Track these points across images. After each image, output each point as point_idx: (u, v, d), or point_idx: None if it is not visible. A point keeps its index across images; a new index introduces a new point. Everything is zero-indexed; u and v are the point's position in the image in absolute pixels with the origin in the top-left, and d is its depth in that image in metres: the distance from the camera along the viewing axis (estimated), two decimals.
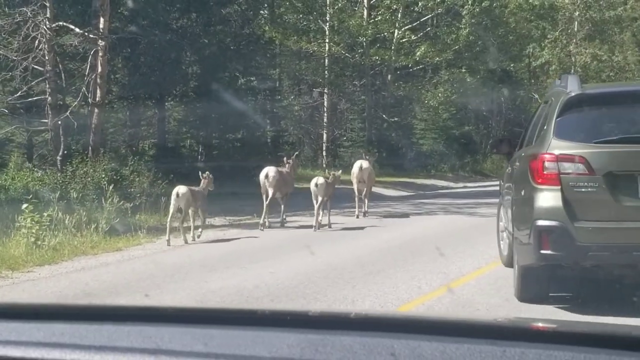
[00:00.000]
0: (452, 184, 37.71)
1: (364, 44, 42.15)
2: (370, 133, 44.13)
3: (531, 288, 9.14)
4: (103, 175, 20.38)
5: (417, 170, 43.37)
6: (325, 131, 45.96)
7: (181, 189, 15.88)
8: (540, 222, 8.54)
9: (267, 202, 17.88)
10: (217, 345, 2.12)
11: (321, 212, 17.59)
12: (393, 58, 41.75)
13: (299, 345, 2.10)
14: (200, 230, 16.25)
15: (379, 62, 42.81)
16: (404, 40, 42.57)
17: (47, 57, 20.95)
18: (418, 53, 41.36)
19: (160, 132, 28.42)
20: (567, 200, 8.48)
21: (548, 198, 8.57)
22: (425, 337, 2.09)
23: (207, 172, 16.84)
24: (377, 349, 2.06)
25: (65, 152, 22.03)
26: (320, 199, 17.46)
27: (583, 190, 8.48)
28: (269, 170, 18.15)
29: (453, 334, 2.12)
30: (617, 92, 9.91)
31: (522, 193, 9.16)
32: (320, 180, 17.83)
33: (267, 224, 17.81)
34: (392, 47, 42.44)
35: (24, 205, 14.58)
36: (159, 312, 2.68)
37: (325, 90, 45.33)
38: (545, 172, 8.63)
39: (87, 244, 14.94)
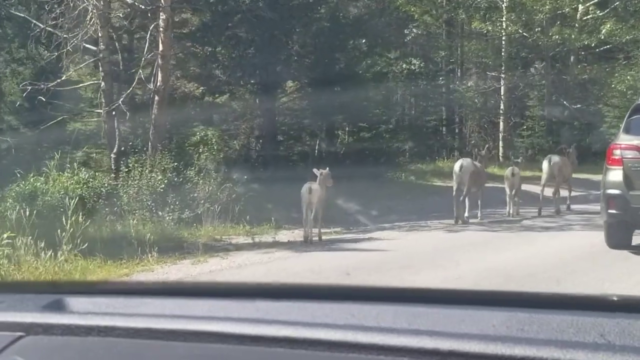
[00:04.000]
0: None
1: (543, 21, 37.35)
2: (550, 122, 39.32)
3: (614, 238, 12.84)
4: (160, 177, 17.15)
5: (603, 164, 38.24)
6: (502, 119, 41.49)
7: (313, 185, 15.50)
8: (609, 191, 12.47)
9: (464, 196, 17.58)
10: (423, 323, 2.12)
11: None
12: (573, 37, 36.65)
13: (505, 324, 2.07)
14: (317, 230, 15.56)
15: (559, 41, 37.81)
16: (588, 16, 37.47)
17: (100, 33, 17.75)
18: (603, 31, 36.18)
19: (267, 125, 24.61)
20: (627, 175, 12.17)
21: (614, 174, 12.38)
22: (634, 316, 2.07)
23: (327, 169, 16.06)
24: (586, 328, 2.01)
25: (123, 148, 18.80)
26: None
27: (637, 168, 12.17)
28: (464, 162, 18.07)
29: None
30: None
31: (603, 172, 12.96)
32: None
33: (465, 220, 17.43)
34: (575, 25, 37.45)
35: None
36: (360, 292, 2.74)
37: (502, 75, 40.95)
38: (613, 157, 12.52)
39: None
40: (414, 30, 41.55)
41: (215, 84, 25.54)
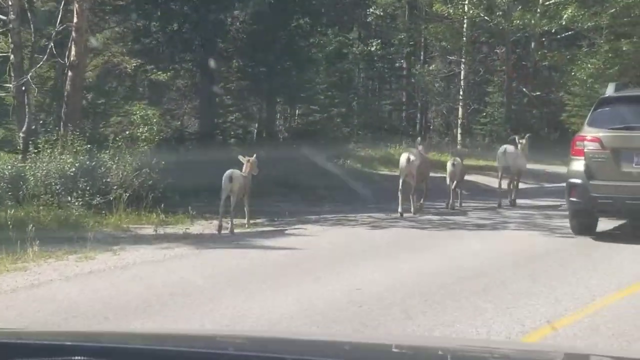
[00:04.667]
0: None
1: (505, 5, 36.24)
2: (509, 109, 38.29)
3: (578, 225, 13.86)
4: (70, 160, 15.88)
5: (562, 154, 37.27)
6: (461, 105, 40.43)
7: (235, 172, 14.68)
8: (571, 180, 13.52)
9: (414, 190, 16.92)
10: None
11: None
12: (534, 22, 35.56)
13: None
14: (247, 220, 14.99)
15: (521, 26, 36.71)
16: (550, 1, 36.39)
17: (10, 2, 16.34)
18: (565, 16, 35.09)
19: (204, 106, 23.18)
20: (588, 166, 13.20)
21: (576, 165, 13.46)
22: None
23: (254, 156, 15.32)
24: None
25: (33, 127, 17.43)
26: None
27: (597, 159, 13.18)
28: (411, 155, 17.25)
29: None
30: (631, 96, 14.29)
31: (568, 162, 14.06)
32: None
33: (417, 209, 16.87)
34: (537, 10, 36.39)
35: None
36: None
37: (462, 59, 39.90)
38: (576, 148, 13.51)
39: None
40: (375, 11, 40.28)
41: (152, 60, 24.20)
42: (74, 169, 16.16)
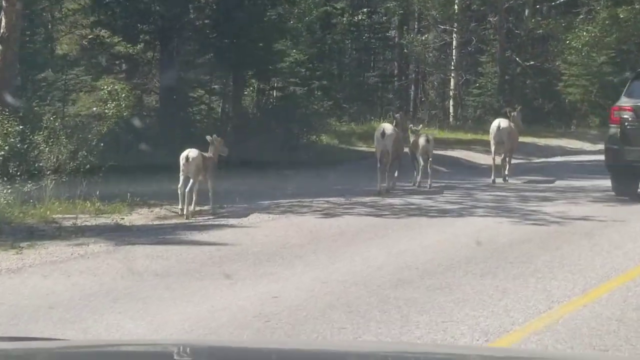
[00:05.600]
0: (586, 146, 29.83)
1: None
2: (503, 80, 36.70)
3: (618, 186, 15.02)
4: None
5: (557, 125, 35.77)
6: (452, 76, 38.88)
7: (192, 152, 13.72)
8: (608, 146, 14.94)
9: (386, 165, 16.01)
10: None
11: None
12: None
13: None
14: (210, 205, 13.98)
15: None
16: None
17: None
18: None
19: (165, 81, 21.55)
20: (623, 133, 14.51)
21: (613, 132, 14.86)
22: None
23: (214, 135, 14.63)
24: None
25: None
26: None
27: (632, 127, 14.45)
28: (386, 127, 16.62)
29: None
30: None
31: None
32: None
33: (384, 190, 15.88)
34: None
35: None
36: None
37: (454, 28, 38.32)
38: (613, 117, 14.91)
39: None
40: None
41: (111, 32, 22.68)
42: (2, 153, 14.72)
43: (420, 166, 16.89)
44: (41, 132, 15.34)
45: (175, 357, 2.95)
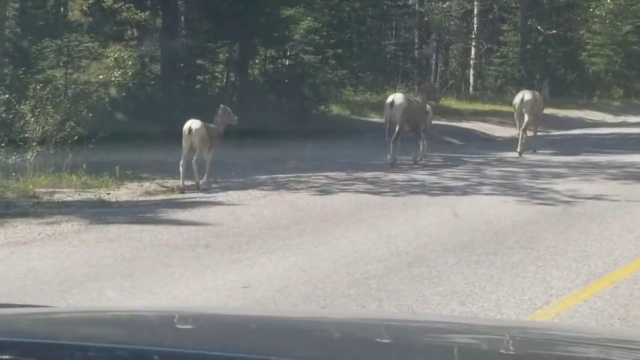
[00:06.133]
0: (608, 118, 28.81)
1: None
2: (524, 49, 35.69)
3: None
4: None
5: (579, 96, 34.74)
6: (473, 44, 37.88)
7: (194, 123, 13.15)
8: None
9: (395, 136, 15.54)
10: None
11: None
12: None
13: None
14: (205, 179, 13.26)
15: None
16: None
17: None
18: None
19: (167, 48, 20.68)
20: None
21: None
22: None
23: (222, 105, 14.01)
24: None
25: None
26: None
27: None
28: (395, 97, 16.06)
29: None
30: None
31: None
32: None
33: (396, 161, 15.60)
34: None
35: None
36: None
37: None
38: None
39: None
40: None
41: None
42: None
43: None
44: (27, 102, 14.65)
45: (171, 323, 2.79)
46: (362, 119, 23.94)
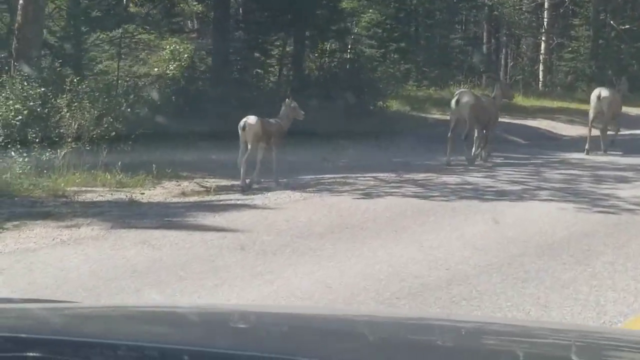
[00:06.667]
0: None
1: None
2: (596, 44, 34.37)
3: None
4: (17, 107, 13.21)
5: None
6: (543, 39, 36.58)
7: (250, 119, 12.71)
8: None
9: (464, 136, 15.05)
10: None
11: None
12: None
13: None
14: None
15: None
16: None
17: None
18: None
19: (218, 42, 19.97)
20: None
21: None
22: None
23: (287, 99, 13.61)
24: None
25: None
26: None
27: None
28: (462, 95, 15.55)
29: None
30: None
31: None
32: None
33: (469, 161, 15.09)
34: None
35: None
36: None
37: None
38: None
39: None
40: None
41: None
42: (21, 117, 13.51)
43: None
44: (64, 96, 14.07)
45: (201, 321, 2.72)
46: (423, 115, 23.02)
